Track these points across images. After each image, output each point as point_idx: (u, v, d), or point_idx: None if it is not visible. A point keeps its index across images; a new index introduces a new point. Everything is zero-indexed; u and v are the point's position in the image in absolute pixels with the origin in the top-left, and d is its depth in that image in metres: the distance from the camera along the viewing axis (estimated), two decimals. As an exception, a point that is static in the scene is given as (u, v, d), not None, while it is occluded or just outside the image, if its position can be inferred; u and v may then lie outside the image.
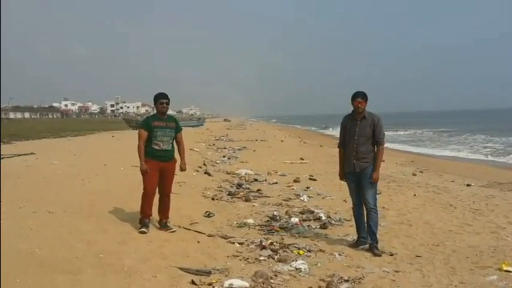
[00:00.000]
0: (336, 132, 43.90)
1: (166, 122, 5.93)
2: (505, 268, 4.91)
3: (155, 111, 6.05)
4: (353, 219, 5.96)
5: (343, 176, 5.86)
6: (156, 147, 5.80)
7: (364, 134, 5.55)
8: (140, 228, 5.72)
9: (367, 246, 5.62)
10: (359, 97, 5.54)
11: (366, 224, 5.67)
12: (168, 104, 5.91)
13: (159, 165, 5.81)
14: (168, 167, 5.92)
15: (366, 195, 5.60)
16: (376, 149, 5.62)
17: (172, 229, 5.94)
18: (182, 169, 6.21)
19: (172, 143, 5.97)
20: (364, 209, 5.68)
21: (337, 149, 5.98)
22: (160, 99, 5.86)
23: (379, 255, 5.39)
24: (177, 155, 6.11)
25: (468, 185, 11.22)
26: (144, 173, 5.75)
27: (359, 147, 5.56)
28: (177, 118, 6.86)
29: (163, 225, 5.97)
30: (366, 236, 5.66)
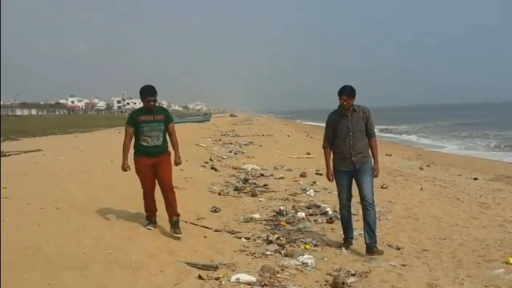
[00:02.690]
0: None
1: (153, 115, 5.40)
2: (511, 261, 4.90)
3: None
4: (343, 217, 5.54)
5: (332, 175, 5.45)
6: (145, 144, 5.39)
7: (358, 129, 5.23)
8: (147, 225, 5.61)
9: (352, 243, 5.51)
10: (344, 95, 5.15)
11: (363, 223, 5.30)
12: (155, 101, 5.40)
13: (151, 161, 5.41)
14: (161, 159, 5.47)
15: (365, 191, 5.23)
16: (370, 142, 5.32)
17: (178, 234, 5.41)
18: (177, 163, 5.70)
19: (163, 137, 5.50)
20: (351, 208, 5.53)
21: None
22: (147, 96, 5.33)
23: (381, 253, 5.18)
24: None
25: (475, 179, 11.17)
26: (124, 170, 5.47)
27: (356, 143, 5.22)
28: (167, 108, 6.00)
29: (173, 224, 5.49)
30: (365, 235, 5.27)
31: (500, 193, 9.07)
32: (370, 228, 5.23)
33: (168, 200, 5.54)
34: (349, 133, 5.23)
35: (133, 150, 5.54)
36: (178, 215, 5.54)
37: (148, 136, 5.36)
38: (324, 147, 5.47)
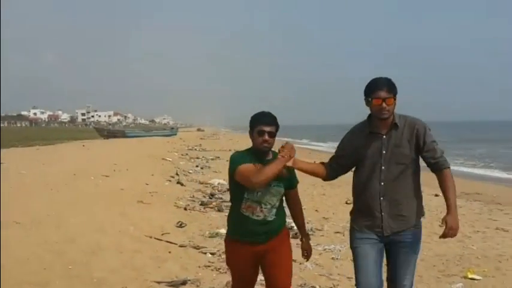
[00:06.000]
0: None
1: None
2: (470, 276, 5.08)
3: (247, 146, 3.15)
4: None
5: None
6: (248, 214, 2.99)
7: (399, 160, 2.88)
8: None
9: None
10: (383, 89, 2.78)
11: None
12: (274, 136, 2.97)
13: (254, 249, 3.03)
14: (272, 247, 3.06)
15: (402, 274, 3.05)
16: (439, 178, 3.01)
17: None
18: (306, 254, 3.38)
19: (280, 207, 3.10)
20: None
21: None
22: (262, 124, 2.94)
23: None
24: None
25: (436, 195, 11.42)
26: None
27: (391, 188, 2.90)
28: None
29: None
30: None
31: (459, 210, 9.17)
32: None
33: None
34: (380, 167, 2.90)
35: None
36: None
37: (258, 202, 2.98)
38: (321, 162, 3.16)
